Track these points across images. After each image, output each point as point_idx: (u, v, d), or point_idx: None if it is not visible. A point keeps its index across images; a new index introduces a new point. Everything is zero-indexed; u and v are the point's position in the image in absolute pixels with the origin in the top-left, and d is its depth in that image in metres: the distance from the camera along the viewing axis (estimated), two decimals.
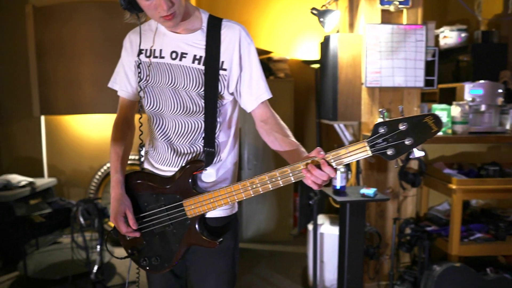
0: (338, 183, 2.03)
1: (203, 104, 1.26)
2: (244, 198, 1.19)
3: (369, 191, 1.96)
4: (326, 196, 3.06)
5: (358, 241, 2.00)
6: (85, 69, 3.80)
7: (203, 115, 1.28)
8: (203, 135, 1.30)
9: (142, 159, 1.42)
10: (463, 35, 3.54)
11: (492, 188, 2.42)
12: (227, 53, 1.26)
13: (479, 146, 2.94)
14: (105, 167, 3.86)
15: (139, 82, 1.31)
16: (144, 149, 1.43)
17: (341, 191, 2.05)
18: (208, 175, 1.33)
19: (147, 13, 1.20)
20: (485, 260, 2.80)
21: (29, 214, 3.01)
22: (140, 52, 1.31)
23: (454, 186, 2.40)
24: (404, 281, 2.78)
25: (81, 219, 2.81)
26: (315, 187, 1.12)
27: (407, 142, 0.99)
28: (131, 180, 1.35)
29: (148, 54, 1.30)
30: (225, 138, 1.35)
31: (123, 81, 1.38)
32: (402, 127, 0.99)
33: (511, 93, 3.11)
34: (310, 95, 4.09)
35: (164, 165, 1.35)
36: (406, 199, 2.77)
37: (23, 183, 3.41)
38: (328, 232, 2.81)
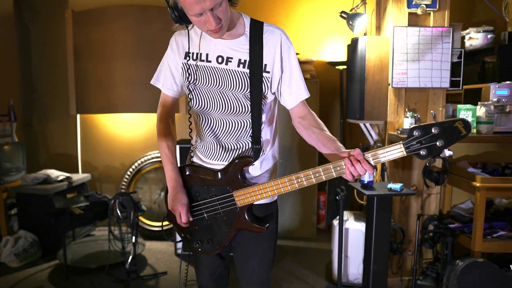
0: (366, 178, 2.13)
1: (249, 105, 1.38)
2: (290, 190, 1.32)
3: (396, 186, 2.05)
4: (351, 193, 3.15)
5: (384, 234, 2.10)
6: (119, 70, 3.97)
7: (250, 114, 1.39)
8: (250, 133, 1.42)
9: (192, 153, 1.55)
10: (489, 36, 3.56)
11: None
12: (269, 56, 1.36)
13: (504, 146, 2.98)
14: (136, 164, 4.03)
15: (188, 84, 1.41)
16: (191, 143, 1.56)
17: (368, 186, 2.15)
18: (254, 168, 1.46)
19: (196, 25, 1.30)
20: (508, 258, 2.84)
21: (68, 207, 3.20)
22: (187, 55, 1.41)
23: (478, 184, 2.46)
24: (426, 277, 2.85)
25: (118, 212, 2.97)
26: (350, 178, 1.23)
27: (438, 144, 1.11)
28: (184, 173, 1.47)
29: (195, 57, 1.40)
30: (268, 134, 1.48)
31: (168, 80, 1.47)
32: (434, 130, 1.11)
33: None
34: (334, 95, 4.18)
35: (212, 159, 1.47)
36: (430, 197, 2.84)
37: (61, 177, 3.61)
38: (352, 227, 2.91)
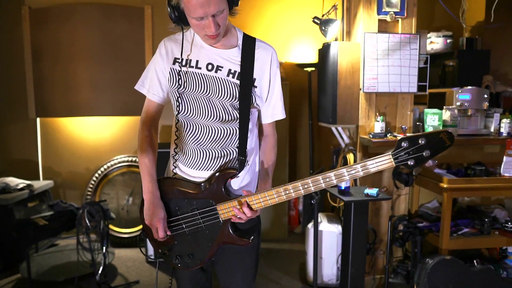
0: (344, 183, 2.17)
1: (237, 114, 1.38)
2: (277, 202, 1.32)
3: (372, 191, 2.11)
4: (324, 196, 3.21)
5: (361, 237, 2.15)
6: (82, 71, 3.80)
7: (237, 123, 1.39)
8: (236, 141, 1.41)
9: (174, 163, 1.50)
10: (448, 41, 3.75)
11: (479, 186, 2.62)
12: (259, 72, 1.40)
13: (465, 147, 3.14)
14: (102, 169, 3.88)
15: (175, 90, 1.38)
16: (173, 152, 1.51)
17: (345, 192, 2.20)
18: (238, 179, 1.44)
19: (193, 29, 1.30)
20: (470, 253, 3.01)
21: (31, 217, 3.02)
22: (175, 60, 1.39)
23: (445, 185, 2.58)
24: (397, 274, 2.97)
25: (87, 222, 2.85)
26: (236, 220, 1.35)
27: (425, 154, 1.17)
28: (162, 186, 1.43)
29: (184, 63, 1.38)
30: (252, 144, 1.47)
31: (154, 86, 1.43)
32: (421, 141, 1.17)
33: (493, 97, 3.35)
34: (303, 97, 4.23)
35: (195, 168, 1.43)
36: (399, 198, 2.95)
37: (21, 185, 3.41)
38: (326, 229, 2.96)
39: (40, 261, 3.24)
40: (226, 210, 1.35)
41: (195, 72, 1.37)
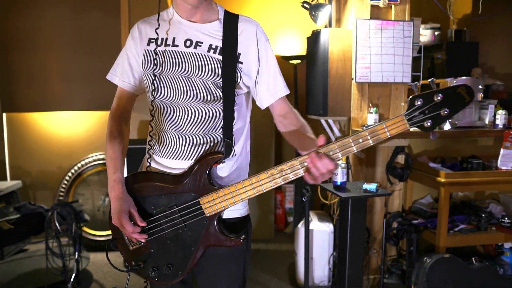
0: (339, 178, 2.01)
1: (219, 94, 1.20)
2: (272, 187, 1.12)
3: (371, 186, 1.95)
4: (314, 193, 3.05)
5: (359, 236, 1.99)
6: (53, 63, 3.57)
7: (221, 103, 1.21)
8: (221, 125, 1.23)
9: (149, 158, 1.31)
10: (436, 33, 3.66)
11: (478, 180, 2.50)
12: (244, 46, 1.23)
13: (459, 141, 3.04)
14: (75, 167, 3.62)
15: (150, 72, 1.22)
16: (148, 145, 1.33)
17: (341, 187, 2.03)
18: (223, 168, 1.25)
19: None
20: (466, 250, 2.91)
21: None
22: (150, 41, 1.24)
23: (442, 180, 2.45)
24: (391, 274, 2.83)
25: (57, 225, 2.60)
26: (312, 182, 1.08)
27: (443, 112, 0.99)
28: (133, 183, 1.23)
29: (159, 42, 1.23)
30: (240, 129, 1.29)
31: (125, 72, 1.29)
32: (437, 98, 0.99)
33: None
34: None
35: (173, 158, 1.24)
36: (393, 194, 2.81)
37: None
38: (317, 228, 2.80)
39: (5, 269, 2.95)
40: (212, 203, 1.15)
41: (172, 51, 1.21)
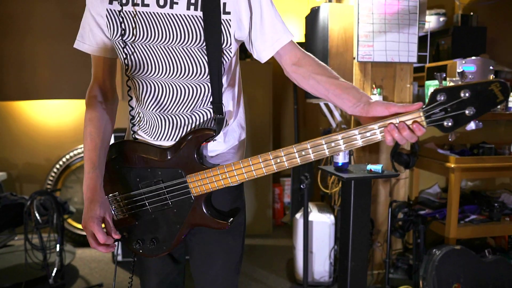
0: (341, 159, 1.82)
1: (206, 62, 1.01)
2: (265, 174, 0.98)
3: (377, 167, 1.76)
4: (314, 182, 2.86)
5: (363, 223, 1.80)
6: (40, 50, 3.41)
7: (208, 76, 1.03)
8: (209, 100, 1.06)
9: (133, 128, 1.14)
10: (441, 19, 3.49)
11: (491, 166, 2.31)
12: None
13: None
14: (64, 159, 3.44)
15: (118, 39, 1.01)
16: (130, 115, 1.15)
17: (343, 168, 1.84)
18: (216, 143, 1.11)
19: None
20: (476, 243, 2.72)
21: None
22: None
23: (452, 165, 2.27)
24: (397, 269, 2.64)
25: (37, 215, 2.42)
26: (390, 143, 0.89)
27: (468, 112, 0.82)
28: (119, 151, 1.10)
29: (124, 1, 0.99)
30: (231, 98, 1.13)
31: (94, 35, 1.06)
32: (464, 95, 0.81)
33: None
34: (286, 80, 3.88)
35: (158, 139, 1.10)
36: (398, 182, 2.62)
37: None
38: (317, 220, 2.61)
39: None
40: (199, 183, 1.02)
41: (142, 12, 0.98)
